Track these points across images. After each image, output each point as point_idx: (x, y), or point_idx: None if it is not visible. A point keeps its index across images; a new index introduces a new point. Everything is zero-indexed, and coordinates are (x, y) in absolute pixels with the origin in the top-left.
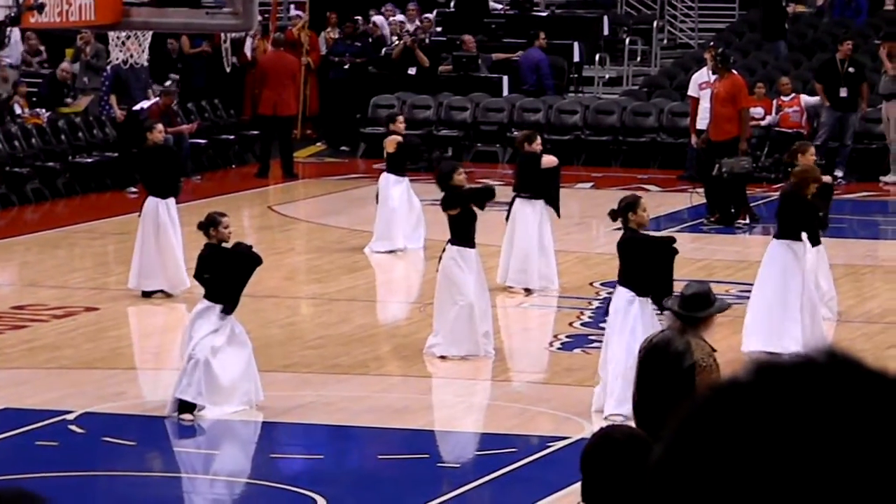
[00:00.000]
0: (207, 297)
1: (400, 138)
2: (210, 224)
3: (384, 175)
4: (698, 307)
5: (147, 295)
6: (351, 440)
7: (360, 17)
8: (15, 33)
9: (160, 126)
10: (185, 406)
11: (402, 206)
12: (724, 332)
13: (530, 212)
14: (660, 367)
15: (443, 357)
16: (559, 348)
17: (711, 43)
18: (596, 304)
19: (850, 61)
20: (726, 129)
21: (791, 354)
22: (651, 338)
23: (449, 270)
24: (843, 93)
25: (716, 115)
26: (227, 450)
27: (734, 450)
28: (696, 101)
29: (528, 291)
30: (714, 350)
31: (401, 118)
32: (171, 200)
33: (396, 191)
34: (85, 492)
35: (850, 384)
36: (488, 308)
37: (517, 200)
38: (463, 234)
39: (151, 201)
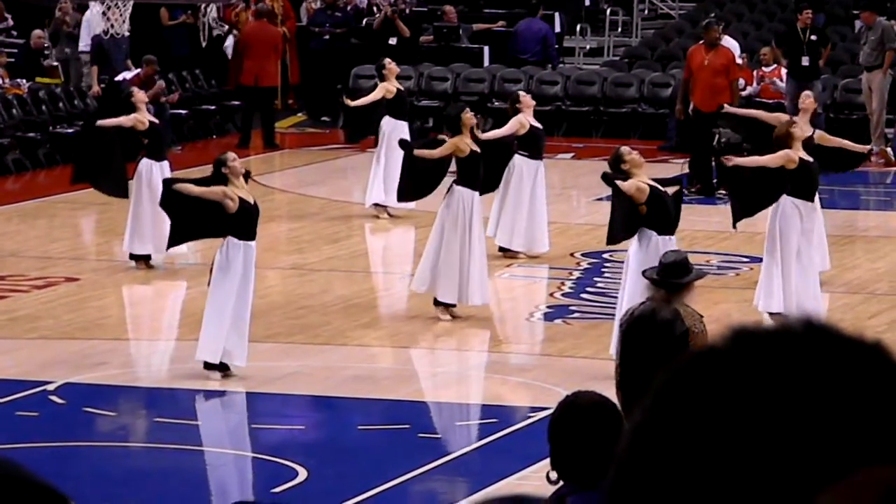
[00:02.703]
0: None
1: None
2: (219, 164)
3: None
4: (679, 274)
5: (134, 258)
6: (332, 411)
7: None
8: None
9: (140, 94)
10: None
11: None
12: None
13: (526, 171)
14: (648, 338)
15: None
16: (540, 318)
17: (713, 15)
18: (577, 274)
19: (811, 29)
20: (718, 100)
21: (771, 322)
22: (631, 311)
23: (448, 211)
24: (805, 61)
25: (708, 85)
26: (208, 420)
27: (711, 416)
28: (687, 69)
29: (509, 252)
30: (701, 316)
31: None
32: (166, 163)
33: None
34: (65, 462)
35: (827, 351)
36: (484, 253)
37: (516, 157)
38: (467, 175)
39: (146, 163)
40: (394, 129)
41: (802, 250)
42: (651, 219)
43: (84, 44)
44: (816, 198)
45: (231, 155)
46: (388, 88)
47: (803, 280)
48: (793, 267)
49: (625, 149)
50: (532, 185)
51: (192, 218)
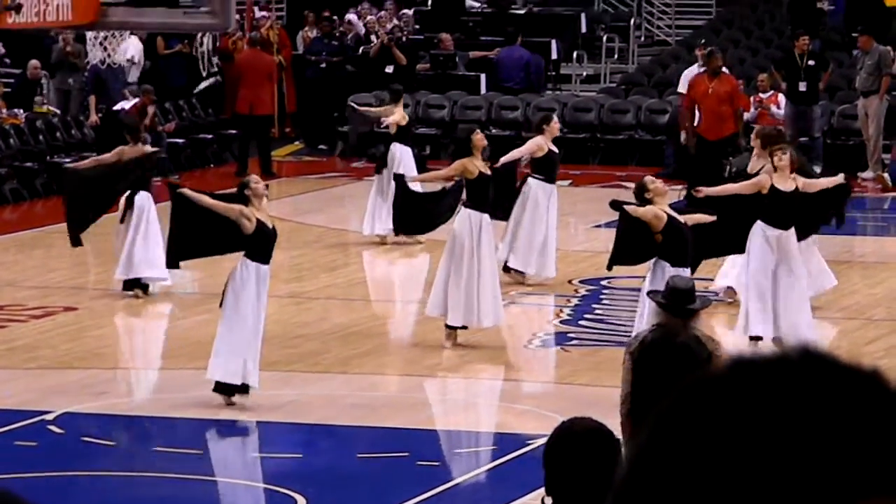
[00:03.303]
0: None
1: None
2: (243, 186)
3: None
4: (689, 300)
5: (127, 287)
6: (330, 439)
7: (335, 17)
8: None
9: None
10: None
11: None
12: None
13: (541, 195)
14: (665, 363)
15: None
16: (538, 346)
17: (702, 41)
18: (575, 301)
19: (809, 54)
20: (723, 127)
21: (768, 349)
22: (642, 338)
23: (457, 234)
24: (803, 87)
25: (714, 113)
26: (208, 449)
27: (710, 446)
28: (688, 97)
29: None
30: (717, 340)
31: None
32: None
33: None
34: (64, 492)
35: (824, 379)
36: (495, 274)
37: (531, 180)
38: (476, 197)
39: (143, 194)
40: (403, 156)
41: (782, 277)
42: (665, 249)
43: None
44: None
45: (255, 178)
46: (403, 115)
47: (787, 306)
48: (769, 292)
49: (649, 178)
50: (546, 210)
51: (200, 233)
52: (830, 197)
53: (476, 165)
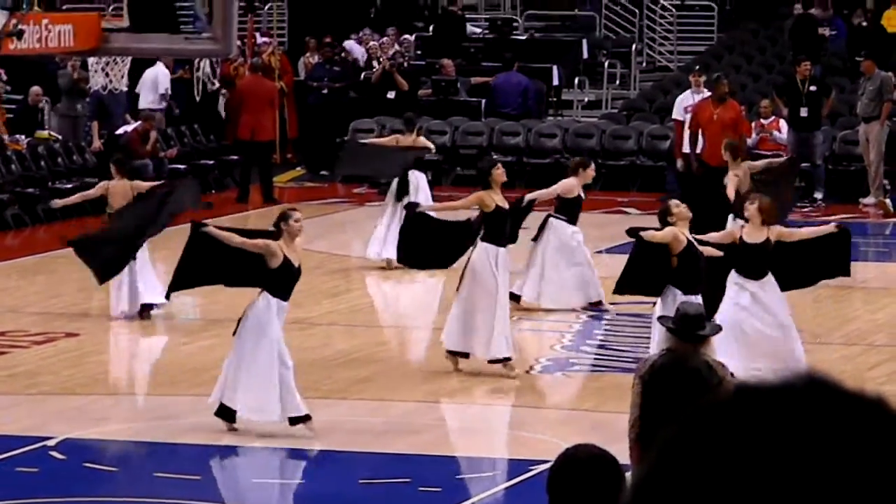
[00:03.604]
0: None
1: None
2: (282, 218)
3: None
4: (699, 326)
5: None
6: (332, 464)
7: (337, 43)
8: None
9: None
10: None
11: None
12: None
13: (563, 235)
14: (676, 388)
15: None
16: (540, 371)
17: (697, 67)
18: (577, 326)
19: (810, 80)
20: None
21: (773, 377)
22: (652, 362)
23: (477, 269)
24: (804, 112)
25: (719, 140)
26: (210, 475)
27: (715, 472)
28: (682, 124)
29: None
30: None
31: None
32: None
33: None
34: None
35: (829, 407)
36: (505, 309)
37: (552, 220)
38: (493, 231)
39: None
40: (419, 182)
41: (763, 325)
42: (679, 274)
43: (150, 100)
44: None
45: (297, 215)
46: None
47: (775, 347)
48: (741, 338)
49: (673, 202)
50: (570, 246)
51: (211, 265)
52: (830, 247)
53: (493, 199)
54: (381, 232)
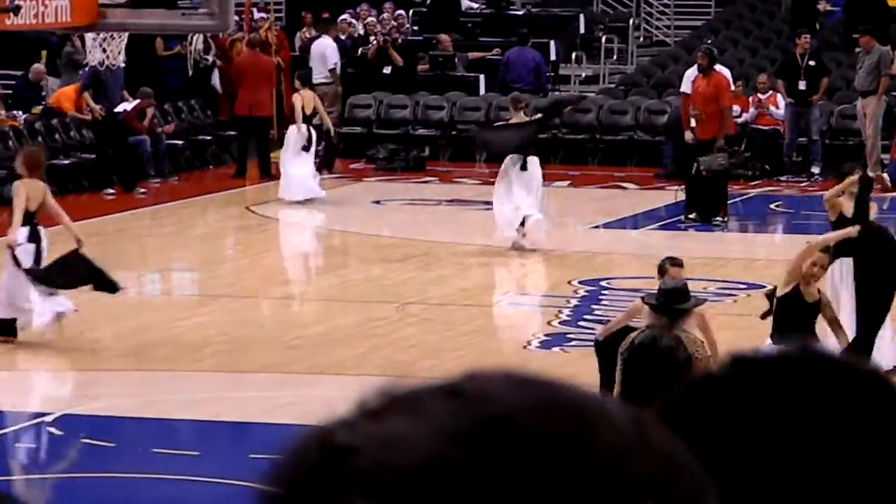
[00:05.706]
0: None
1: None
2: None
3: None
4: (680, 300)
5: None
6: None
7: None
8: None
9: None
10: None
11: None
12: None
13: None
14: (650, 365)
15: None
16: (537, 347)
17: (708, 41)
18: (574, 302)
19: (810, 55)
20: (711, 127)
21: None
22: (632, 339)
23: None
24: (802, 86)
25: (703, 112)
26: (207, 451)
27: (710, 445)
28: (689, 97)
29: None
30: (702, 342)
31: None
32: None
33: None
34: (64, 494)
35: (825, 378)
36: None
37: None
38: None
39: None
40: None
41: None
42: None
43: (322, 74)
44: None
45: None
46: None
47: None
48: None
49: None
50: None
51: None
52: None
53: None
54: (508, 210)
